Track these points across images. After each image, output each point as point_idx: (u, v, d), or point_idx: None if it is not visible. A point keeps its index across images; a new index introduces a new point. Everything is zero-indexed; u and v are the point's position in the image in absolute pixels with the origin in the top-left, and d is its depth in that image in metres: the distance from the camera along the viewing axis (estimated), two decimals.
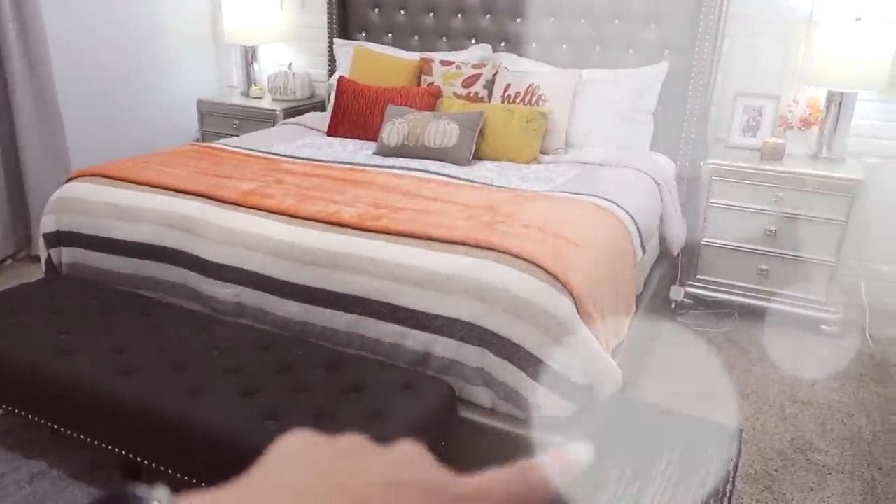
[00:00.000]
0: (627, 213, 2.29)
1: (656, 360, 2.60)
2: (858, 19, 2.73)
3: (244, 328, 1.94)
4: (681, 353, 2.66)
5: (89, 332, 1.85)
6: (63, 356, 1.73)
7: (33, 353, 1.76)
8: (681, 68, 2.97)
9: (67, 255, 2.31)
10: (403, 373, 1.75)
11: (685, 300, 2.97)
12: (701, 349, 2.70)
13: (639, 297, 2.38)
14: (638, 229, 2.31)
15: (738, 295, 2.90)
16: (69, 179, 2.39)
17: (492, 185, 2.44)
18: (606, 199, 2.28)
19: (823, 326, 2.79)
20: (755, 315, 2.90)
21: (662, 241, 2.74)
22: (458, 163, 2.69)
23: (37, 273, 2.72)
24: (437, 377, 1.78)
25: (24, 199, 3.23)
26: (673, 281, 2.97)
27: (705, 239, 2.90)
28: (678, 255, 2.90)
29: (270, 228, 2.00)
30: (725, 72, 3.08)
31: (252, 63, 3.95)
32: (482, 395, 1.80)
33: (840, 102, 2.80)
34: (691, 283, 2.96)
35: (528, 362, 1.69)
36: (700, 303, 2.97)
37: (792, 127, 2.95)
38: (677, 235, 2.77)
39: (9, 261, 3.27)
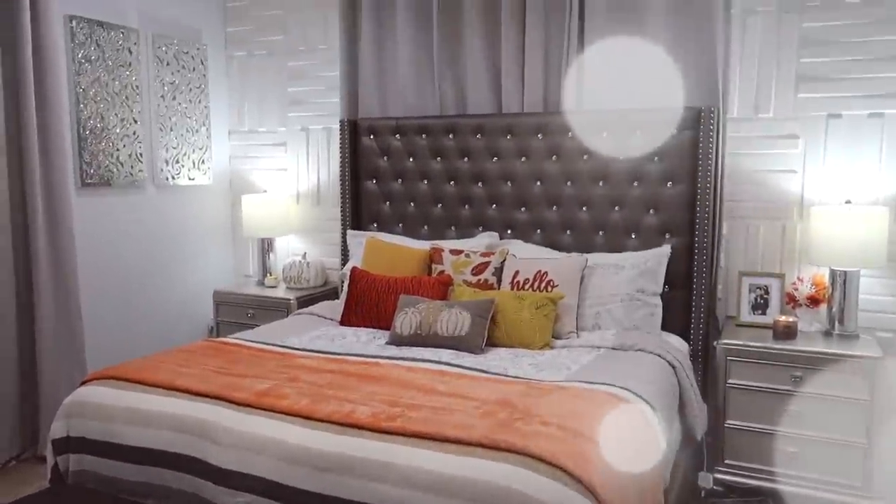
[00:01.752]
0: (646, 401, 2.25)
1: None
2: (848, 202, 2.85)
3: None
4: None
5: None
6: None
7: None
8: (683, 249, 3.07)
9: (75, 462, 2.25)
10: None
11: (715, 488, 2.83)
12: None
13: (667, 490, 2.27)
14: (658, 417, 2.25)
15: (770, 480, 2.77)
16: (83, 383, 2.40)
17: (506, 374, 2.42)
18: (623, 388, 2.25)
19: None
20: (791, 502, 2.74)
21: (684, 426, 2.67)
22: (471, 351, 2.69)
23: (41, 476, 2.64)
24: None
25: (35, 397, 3.21)
26: (700, 468, 2.85)
27: (728, 421, 2.82)
28: (702, 439, 2.81)
29: (284, 432, 1.97)
30: (727, 252, 3.18)
31: (268, 253, 4.11)
32: None
33: (844, 280, 2.85)
34: (719, 468, 2.85)
35: None
36: (731, 490, 2.83)
37: (800, 304, 2.98)
38: (698, 419, 2.70)
39: (13, 462, 3.19)
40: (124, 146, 3.69)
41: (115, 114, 3.64)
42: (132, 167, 3.73)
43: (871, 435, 2.61)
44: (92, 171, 3.53)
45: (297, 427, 1.98)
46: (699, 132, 3.03)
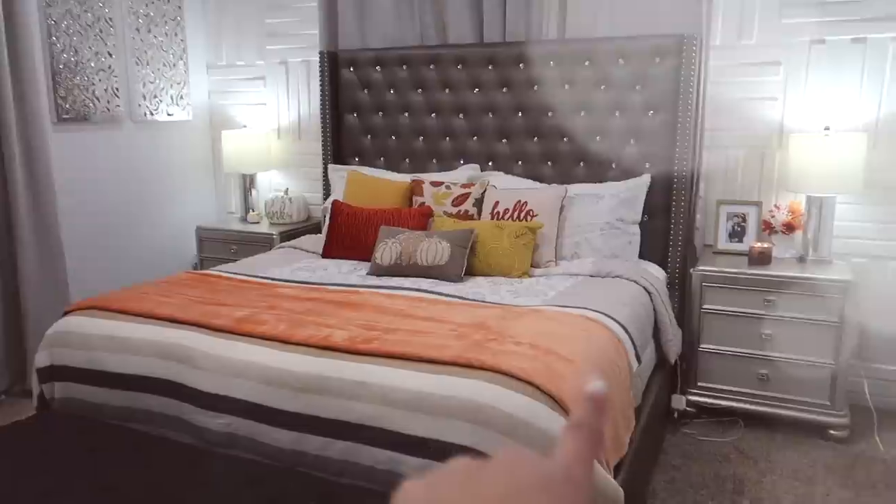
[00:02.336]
0: (620, 324, 2.29)
1: (662, 475, 2.52)
2: (827, 129, 2.85)
3: (235, 461, 1.90)
4: (687, 466, 2.58)
5: (75, 472, 1.81)
6: (44, 499, 1.68)
7: (12, 496, 1.71)
8: (663, 179, 3.08)
9: (60, 390, 2.29)
10: None
11: (687, 409, 2.92)
12: (708, 461, 2.62)
13: (638, 409, 2.34)
14: (631, 340, 2.30)
15: (741, 401, 2.86)
16: (65, 313, 2.42)
17: (484, 301, 2.46)
18: (598, 312, 2.30)
19: (831, 431, 2.73)
20: (760, 421, 2.84)
21: (659, 350, 2.73)
22: (450, 280, 2.72)
23: (30, 409, 2.69)
24: None
25: (21, 332, 3.24)
26: (673, 390, 2.93)
27: (702, 345, 2.89)
28: (676, 363, 2.88)
29: (263, 355, 2.01)
30: (707, 181, 3.18)
31: (250, 190, 4.10)
32: None
33: (820, 206, 2.87)
34: (692, 390, 2.93)
35: None
36: (703, 411, 2.92)
37: (776, 231, 3.02)
38: (673, 344, 2.76)
39: (2, 396, 3.25)
40: (100, 80, 3.62)
41: (89, 47, 3.56)
42: (109, 102, 3.67)
43: (839, 356, 2.68)
44: (68, 105, 3.47)
45: (276, 351, 2.02)
46: (681, 60, 3.00)
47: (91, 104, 3.58)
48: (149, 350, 2.15)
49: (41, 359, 2.33)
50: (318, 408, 1.88)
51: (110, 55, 3.66)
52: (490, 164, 3.45)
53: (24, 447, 1.95)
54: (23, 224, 3.16)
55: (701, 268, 2.88)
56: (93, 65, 3.58)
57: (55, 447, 1.94)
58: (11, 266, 3.20)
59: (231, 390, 1.99)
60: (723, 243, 3.09)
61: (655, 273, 2.95)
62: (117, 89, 3.71)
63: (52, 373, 2.30)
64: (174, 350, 2.12)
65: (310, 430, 1.88)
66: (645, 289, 2.71)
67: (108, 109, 3.67)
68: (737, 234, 3.07)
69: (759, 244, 2.88)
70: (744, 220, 3.06)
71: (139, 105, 3.85)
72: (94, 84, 3.59)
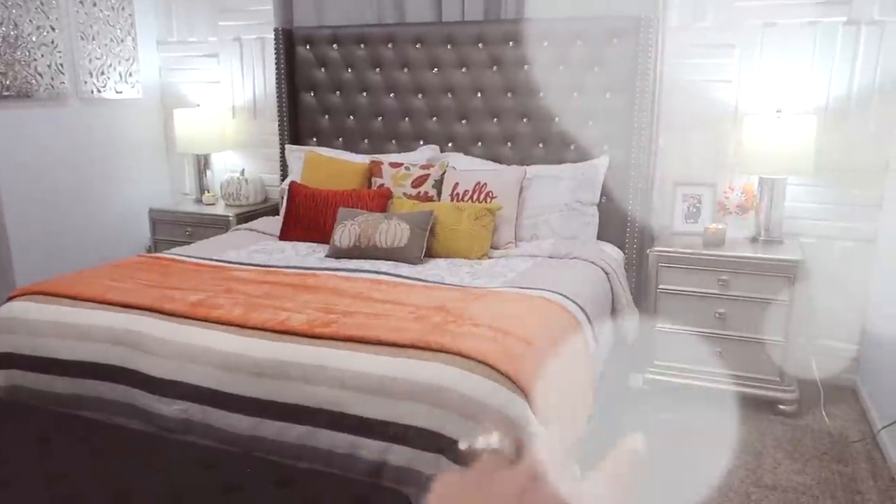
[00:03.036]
0: (577, 304, 2.31)
1: None
2: (779, 111, 2.91)
3: (190, 446, 1.87)
4: (643, 444, 2.63)
5: (24, 462, 1.75)
6: None
7: None
8: (621, 161, 3.10)
9: (5, 378, 2.21)
10: (357, 485, 1.69)
11: (644, 387, 2.98)
12: (663, 437, 2.67)
13: (596, 389, 2.37)
14: (589, 320, 2.33)
15: (696, 379, 2.92)
16: (9, 298, 2.33)
17: (443, 283, 2.45)
18: (556, 293, 2.31)
19: (781, 406, 2.82)
20: (714, 398, 2.91)
21: (616, 330, 2.77)
22: (409, 262, 2.71)
23: None
24: (393, 488, 1.72)
25: None
26: (630, 369, 2.98)
27: (658, 325, 2.94)
28: (633, 342, 2.92)
29: (218, 340, 1.97)
30: (663, 162, 3.22)
31: (205, 170, 3.99)
32: None
33: (772, 188, 2.93)
34: (649, 369, 2.98)
35: None
36: (659, 389, 2.98)
37: (730, 212, 3.07)
38: (630, 323, 2.80)
39: None
40: (42, 56, 3.47)
41: (30, 20, 3.40)
42: (53, 79, 3.53)
43: (789, 333, 2.76)
44: (8, 82, 3.32)
45: (232, 335, 1.98)
46: (638, 41, 3.01)
47: (34, 80, 3.43)
48: (99, 336, 2.09)
49: None
50: (275, 392, 1.85)
51: (53, 29, 3.51)
52: (449, 144, 3.43)
53: None
54: None
55: (657, 248, 2.93)
56: (34, 39, 3.43)
57: (2, 436, 1.88)
58: None
59: (186, 376, 1.95)
60: (679, 224, 3.14)
61: (613, 254, 2.98)
62: (61, 65, 3.56)
63: None
64: (126, 336, 2.06)
65: (267, 415, 1.86)
66: (603, 270, 2.74)
67: (53, 86, 3.53)
68: (692, 215, 3.12)
69: (713, 225, 2.94)
70: (699, 201, 3.11)
71: (85, 82, 3.71)
72: (36, 59, 3.44)
